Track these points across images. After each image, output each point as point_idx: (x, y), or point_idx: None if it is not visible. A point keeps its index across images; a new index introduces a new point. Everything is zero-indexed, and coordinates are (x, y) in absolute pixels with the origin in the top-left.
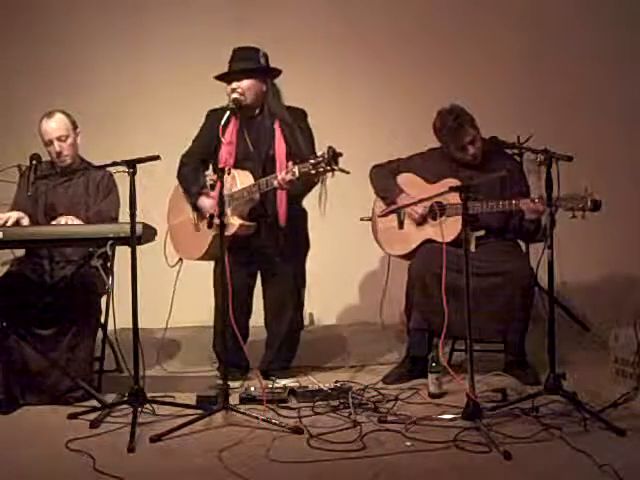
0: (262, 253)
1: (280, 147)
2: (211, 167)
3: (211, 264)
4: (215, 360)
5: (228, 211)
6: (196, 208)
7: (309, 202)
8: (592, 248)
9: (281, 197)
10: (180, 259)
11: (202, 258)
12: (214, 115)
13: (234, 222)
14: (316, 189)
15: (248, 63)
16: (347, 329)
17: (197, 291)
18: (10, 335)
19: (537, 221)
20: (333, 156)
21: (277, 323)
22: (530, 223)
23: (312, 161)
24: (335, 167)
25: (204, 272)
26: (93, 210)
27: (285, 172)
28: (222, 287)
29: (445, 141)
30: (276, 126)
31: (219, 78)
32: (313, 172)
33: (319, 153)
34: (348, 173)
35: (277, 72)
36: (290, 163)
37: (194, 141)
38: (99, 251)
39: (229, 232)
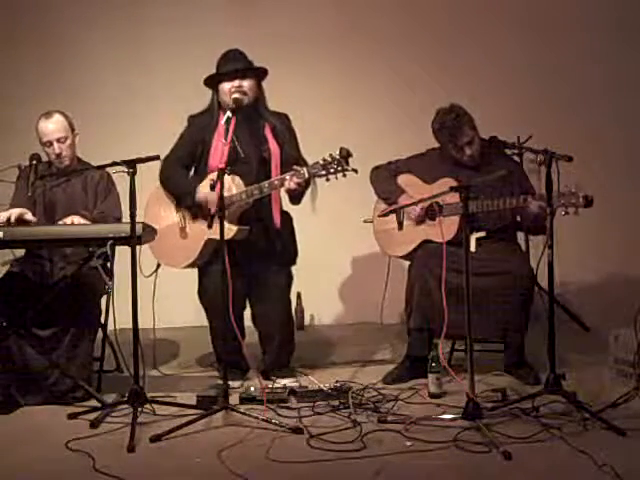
0: (255, 257)
1: (275, 150)
2: (192, 172)
3: None
4: (215, 360)
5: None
6: (192, 207)
7: (305, 205)
8: (592, 248)
9: (275, 199)
10: (158, 266)
11: (191, 265)
12: (196, 120)
13: (231, 227)
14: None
15: (246, 63)
16: (347, 329)
17: (195, 291)
18: (10, 335)
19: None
20: (346, 156)
21: (271, 324)
22: (535, 218)
23: (322, 162)
24: (347, 167)
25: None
26: (96, 211)
27: (293, 175)
28: (223, 285)
29: (443, 141)
30: (267, 129)
31: (214, 78)
32: (323, 173)
33: (328, 154)
34: (357, 172)
35: (266, 73)
36: (295, 166)
37: (175, 146)
38: (99, 251)
39: (226, 237)
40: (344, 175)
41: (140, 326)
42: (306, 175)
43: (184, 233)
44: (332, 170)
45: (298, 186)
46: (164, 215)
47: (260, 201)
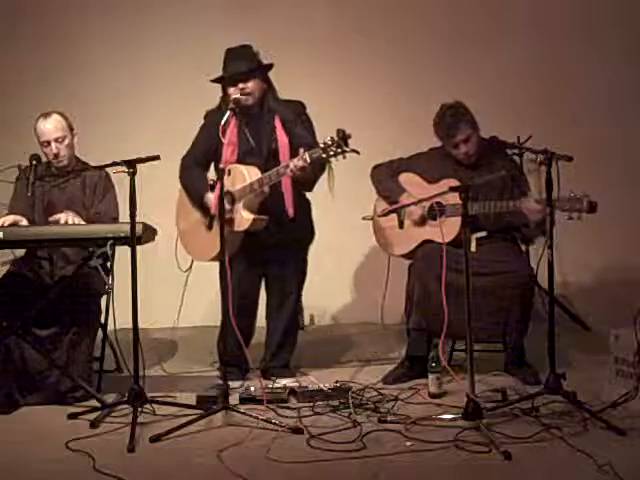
0: (270, 247)
1: (282, 141)
2: (212, 168)
3: (215, 267)
4: (216, 360)
5: (239, 206)
6: (202, 208)
7: (313, 196)
8: (592, 248)
9: (287, 187)
10: (192, 263)
11: (217, 258)
12: (212, 116)
13: (247, 217)
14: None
15: (248, 63)
16: (347, 329)
17: (196, 291)
18: (10, 335)
19: (542, 223)
20: (343, 138)
21: (277, 322)
22: (536, 228)
23: (322, 145)
24: (346, 149)
25: (203, 273)
26: (92, 211)
27: (297, 159)
28: (223, 287)
29: (440, 136)
30: (276, 121)
31: (219, 80)
32: (324, 156)
33: (328, 137)
34: (358, 153)
35: (271, 67)
36: (301, 150)
37: (194, 143)
38: (99, 251)
39: (242, 227)
40: (344, 157)
41: (143, 326)
42: (308, 159)
43: (210, 226)
44: (332, 152)
45: (302, 171)
46: (191, 211)
47: (275, 190)
